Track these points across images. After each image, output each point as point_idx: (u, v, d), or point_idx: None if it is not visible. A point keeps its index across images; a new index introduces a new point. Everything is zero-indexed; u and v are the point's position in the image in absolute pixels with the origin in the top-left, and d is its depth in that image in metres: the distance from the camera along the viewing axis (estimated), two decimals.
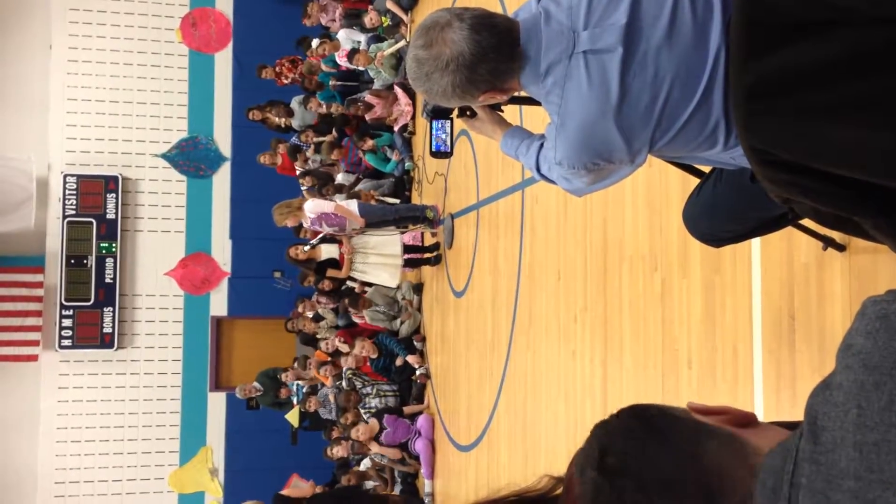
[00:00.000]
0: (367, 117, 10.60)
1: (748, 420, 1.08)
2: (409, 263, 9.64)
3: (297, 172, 11.26)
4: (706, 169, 2.35)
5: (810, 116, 1.47)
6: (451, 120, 2.49)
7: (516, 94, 2.13)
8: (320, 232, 8.95)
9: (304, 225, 9.03)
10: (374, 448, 9.34)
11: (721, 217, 2.32)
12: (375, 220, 9.00)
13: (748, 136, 1.56)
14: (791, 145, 1.52)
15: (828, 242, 2.84)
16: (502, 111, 2.38)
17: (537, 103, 2.08)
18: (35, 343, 12.09)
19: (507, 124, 2.36)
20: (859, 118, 1.44)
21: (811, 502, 0.88)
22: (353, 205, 8.96)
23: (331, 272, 9.70)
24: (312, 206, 8.59)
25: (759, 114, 1.52)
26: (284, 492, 8.97)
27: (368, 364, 9.93)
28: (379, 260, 9.26)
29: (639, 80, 1.81)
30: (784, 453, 0.95)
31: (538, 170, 2.19)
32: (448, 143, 2.53)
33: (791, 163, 1.53)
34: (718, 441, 1.03)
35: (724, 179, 2.23)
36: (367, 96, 10.57)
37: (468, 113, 2.35)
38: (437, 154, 2.54)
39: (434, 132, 2.53)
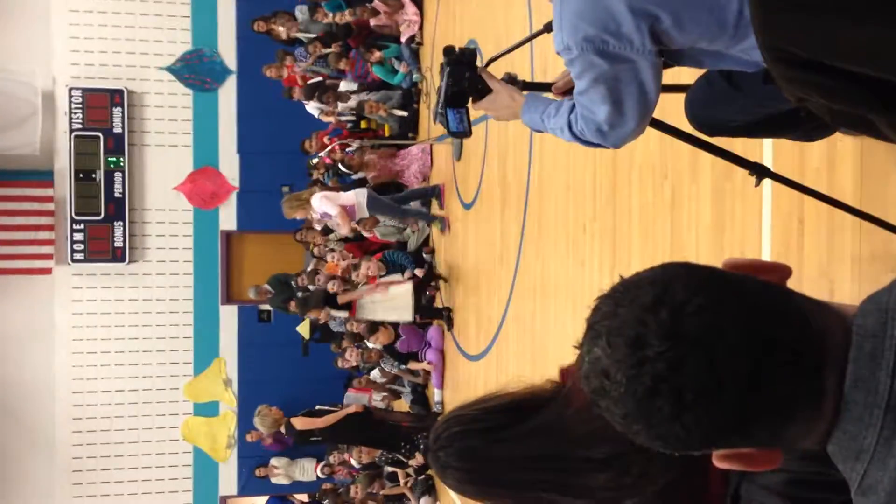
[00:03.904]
0: (372, 23, 10.44)
1: (788, 277, 0.92)
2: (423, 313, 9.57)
3: (301, 87, 11.13)
4: None
5: (827, 13, 1.46)
6: (466, 109, 2.44)
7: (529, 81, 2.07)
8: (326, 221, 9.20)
9: (314, 216, 9.10)
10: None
11: (728, 108, 2.27)
12: (380, 213, 9.06)
13: (765, 33, 1.55)
14: (807, 43, 1.51)
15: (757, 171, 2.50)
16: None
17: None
18: (48, 257, 12.21)
19: (523, 95, 2.32)
20: (876, 14, 1.43)
21: None
22: (361, 196, 8.93)
23: (342, 298, 9.50)
24: (318, 206, 8.67)
25: (775, 10, 1.51)
26: (296, 422, 9.17)
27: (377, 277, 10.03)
28: (388, 304, 9.24)
29: None
30: (880, 314, 0.82)
31: (570, 128, 2.11)
32: (466, 125, 2.49)
33: (807, 61, 1.53)
34: (808, 301, 0.87)
35: (734, 75, 2.19)
36: (375, 2, 10.41)
37: (480, 87, 2.32)
38: (457, 134, 2.51)
39: (451, 119, 2.48)
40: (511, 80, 2.36)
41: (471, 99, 2.35)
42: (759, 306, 0.81)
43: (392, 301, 9.04)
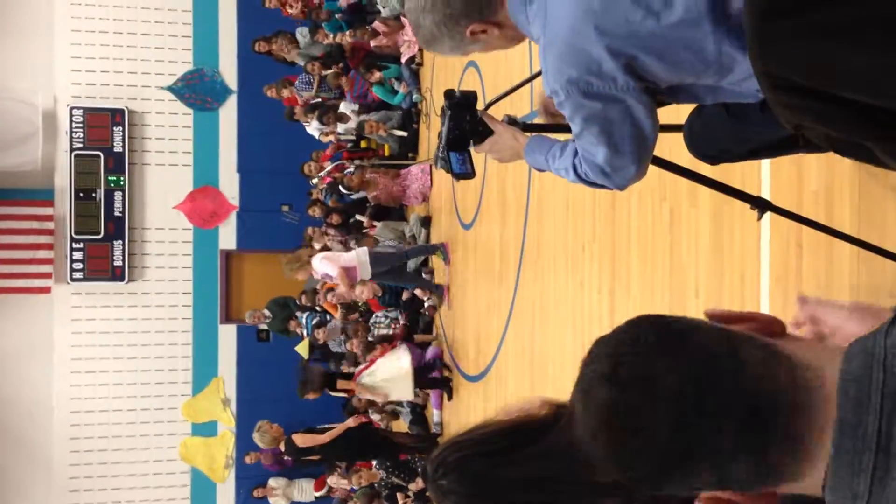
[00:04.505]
0: (372, 44, 10.49)
1: (778, 328, 0.93)
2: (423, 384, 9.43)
3: (301, 106, 11.17)
4: None
5: (824, 38, 1.46)
6: (468, 152, 2.44)
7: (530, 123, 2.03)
8: (329, 282, 9.07)
9: (315, 276, 9.07)
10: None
11: (728, 137, 2.26)
12: (385, 267, 8.99)
13: (762, 59, 1.55)
14: (804, 69, 1.51)
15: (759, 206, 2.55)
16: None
17: (558, 130, 2.03)
18: (47, 276, 12.20)
19: (525, 136, 2.32)
20: (874, 40, 1.43)
21: None
22: (363, 255, 8.91)
23: (342, 384, 9.45)
24: (319, 268, 8.64)
25: (772, 36, 1.52)
26: (297, 439, 9.13)
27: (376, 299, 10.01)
28: (387, 382, 9.17)
29: None
30: (865, 358, 0.82)
31: (575, 170, 2.11)
32: (469, 167, 2.48)
33: (804, 88, 1.53)
34: (755, 348, 0.88)
35: (731, 103, 2.19)
36: (376, 23, 10.46)
37: (481, 129, 2.33)
38: (461, 176, 2.50)
39: (454, 162, 2.48)
40: (512, 121, 2.37)
41: (472, 141, 2.35)
42: (696, 356, 0.86)
43: (391, 380, 8.98)
